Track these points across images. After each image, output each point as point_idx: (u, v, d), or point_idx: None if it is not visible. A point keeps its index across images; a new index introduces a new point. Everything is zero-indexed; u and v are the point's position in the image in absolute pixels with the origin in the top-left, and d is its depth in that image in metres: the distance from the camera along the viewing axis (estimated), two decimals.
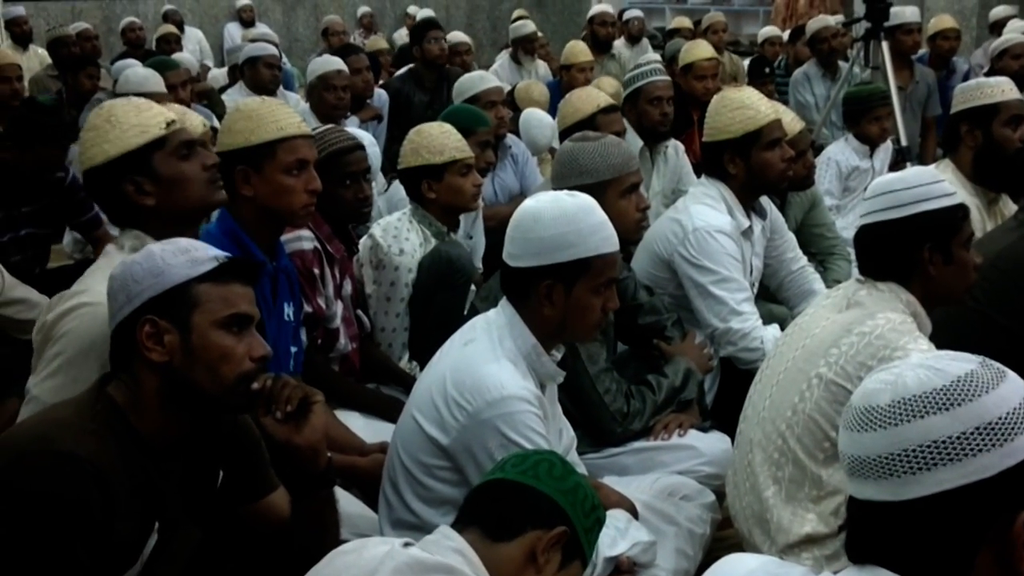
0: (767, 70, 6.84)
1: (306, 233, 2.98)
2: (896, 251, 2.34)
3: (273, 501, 2.05)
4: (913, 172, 2.42)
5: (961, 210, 2.35)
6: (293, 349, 2.75)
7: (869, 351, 2.26)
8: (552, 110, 5.42)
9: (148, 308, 1.76)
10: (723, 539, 2.76)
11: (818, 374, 2.32)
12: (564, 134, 4.02)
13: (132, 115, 2.25)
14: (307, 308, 2.94)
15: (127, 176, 2.21)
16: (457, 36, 7.33)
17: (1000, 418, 1.16)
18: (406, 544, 1.64)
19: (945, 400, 1.18)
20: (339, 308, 3.09)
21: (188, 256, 1.80)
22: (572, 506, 1.73)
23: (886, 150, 4.99)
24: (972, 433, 1.16)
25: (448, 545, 1.65)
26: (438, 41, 6.57)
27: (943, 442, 1.16)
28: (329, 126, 3.40)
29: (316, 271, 2.98)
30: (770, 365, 2.53)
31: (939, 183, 2.35)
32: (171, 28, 9.16)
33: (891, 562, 1.21)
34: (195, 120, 3.53)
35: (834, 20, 7.03)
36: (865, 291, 2.39)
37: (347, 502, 2.50)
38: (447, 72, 6.59)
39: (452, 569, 1.60)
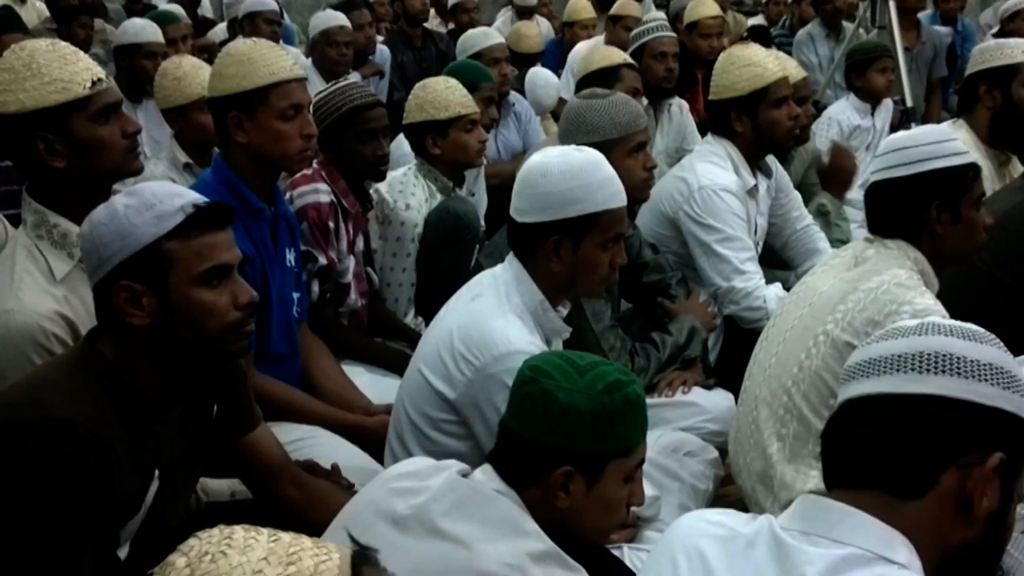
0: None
1: (323, 186, 2.97)
2: (903, 208, 2.34)
3: (261, 436, 2.04)
4: (925, 130, 2.42)
5: (971, 170, 2.34)
6: (296, 295, 2.73)
7: (876, 306, 2.27)
8: (553, 67, 5.38)
9: (121, 271, 1.68)
10: (725, 495, 2.78)
11: (825, 331, 2.33)
12: (582, 83, 3.92)
13: (56, 67, 2.04)
14: (321, 260, 2.94)
15: (39, 132, 2.03)
16: None
17: (1012, 371, 1.26)
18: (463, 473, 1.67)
19: (972, 334, 1.28)
20: (351, 263, 3.08)
21: (153, 212, 1.68)
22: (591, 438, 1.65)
23: (887, 108, 4.96)
24: (986, 365, 1.24)
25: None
26: None
27: (959, 358, 1.25)
28: (351, 81, 3.34)
29: (331, 224, 2.97)
30: (776, 323, 2.53)
31: (950, 142, 2.34)
32: None
33: (862, 470, 1.27)
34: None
35: None
36: (873, 249, 2.39)
37: (353, 454, 2.52)
38: (432, 32, 6.52)
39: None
